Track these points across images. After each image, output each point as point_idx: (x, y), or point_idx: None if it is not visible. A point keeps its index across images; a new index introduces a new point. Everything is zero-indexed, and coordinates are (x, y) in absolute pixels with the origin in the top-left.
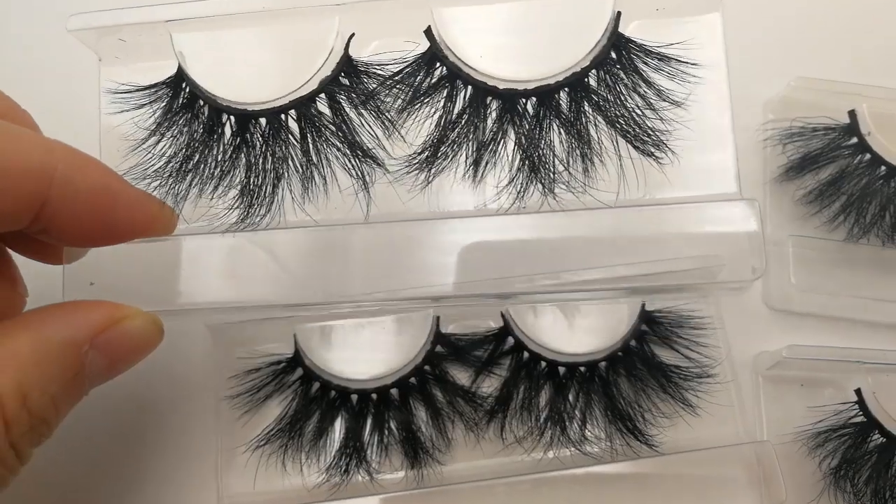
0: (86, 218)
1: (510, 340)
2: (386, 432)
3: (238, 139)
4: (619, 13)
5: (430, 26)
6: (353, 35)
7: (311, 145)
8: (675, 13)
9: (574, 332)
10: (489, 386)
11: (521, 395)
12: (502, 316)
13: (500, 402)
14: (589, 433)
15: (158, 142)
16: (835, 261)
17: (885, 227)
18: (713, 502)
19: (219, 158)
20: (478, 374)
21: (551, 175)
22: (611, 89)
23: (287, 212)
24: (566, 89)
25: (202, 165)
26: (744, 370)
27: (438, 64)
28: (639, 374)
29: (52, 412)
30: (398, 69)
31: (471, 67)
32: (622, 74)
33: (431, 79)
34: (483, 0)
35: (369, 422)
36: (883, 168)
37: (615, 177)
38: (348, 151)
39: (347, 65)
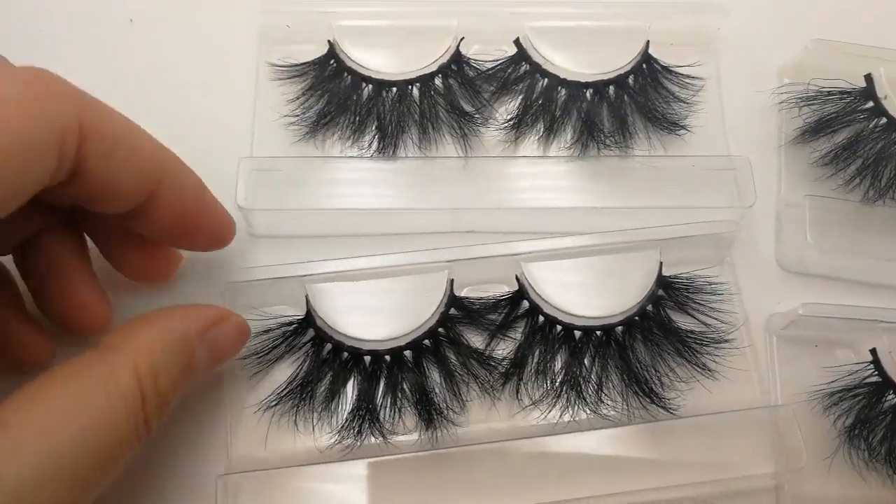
0: (183, 214)
1: (525, 304)
2: (399, 394)
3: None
4: None
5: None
6: None
7: None
8: None
9: (590, 296)
10: (504, 349)
11: (537, 359)
12: (517, 279)
13: (515, 364)
14: (605, 397)
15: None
16: (851, 222)
17: None
18: (730, 466)
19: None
20: (492, 338)
21: None
22: None
23: None
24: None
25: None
26: (758, 331)
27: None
28: (655, 339)
29: (172, 393)
30: None
31: None
32: None
33: None
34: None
35: (382, 383)
36: None
37: None
38: None
39: None
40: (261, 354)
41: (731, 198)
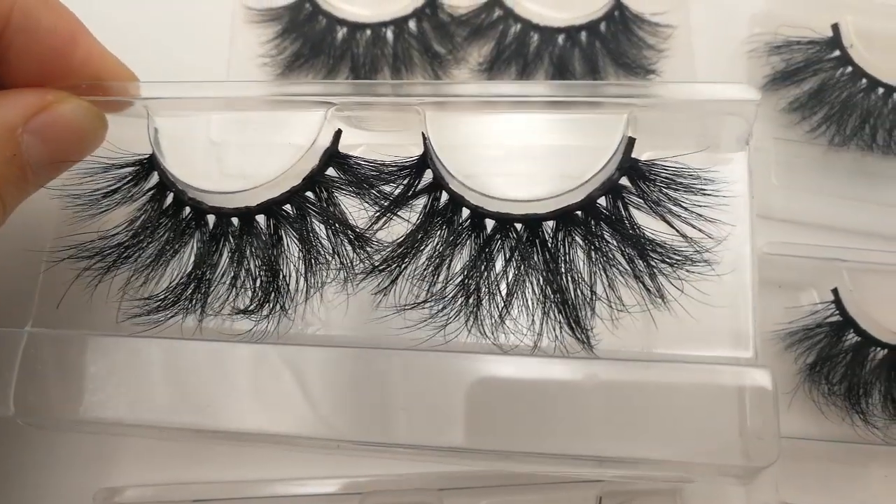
0: (43, 60)
1: (427, 175)
2: (240, 267)
3: None
4: None
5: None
6: None
7: None
8: None
9: (518, 174)
10: (387, 233)
11: (428, 253)
12: (423, 138)
13: (397, 256)
14: (509, 318)
15: None
16: (817, 165)
17: (864, 137)
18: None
19: None
20: (379, 217)
21: None
22: None
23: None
24: None
25: None
26: None
27: None
28: (600, 246)
29: None
30: None
31: None
32: None
33: None
34: None
35: (222, 252)
36: (864, 80)
37: None
38: None
39: None
40: (87, 196)
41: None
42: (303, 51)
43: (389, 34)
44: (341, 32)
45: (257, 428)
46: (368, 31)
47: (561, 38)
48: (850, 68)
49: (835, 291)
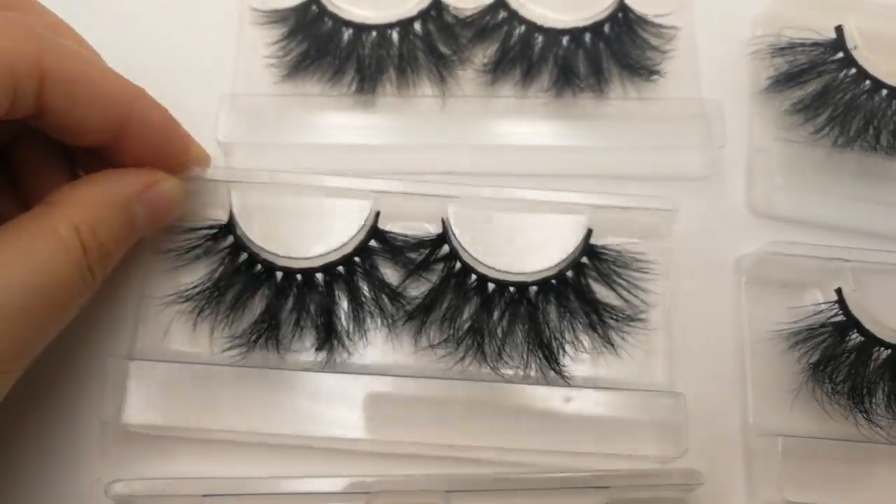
0: (151, 148)
1: (445, 248)
2: (304, 314)
3: None
4: None
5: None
6: None
7: None
8: None
9: (512, 252)
10: (419, 289)
11: (446, 304)
12: (442, 223)
13: (423, 307)
14: (506, 355)
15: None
16: (820, 166)
17: (868, 138)
18: (616, 442)
19: None
20: (408, 276)
21: None
22: None
23: None
24: None
25: None
26: (727, 273)
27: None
28: (568, 305)
29: (113, 245)
30: None
31: None
32: None
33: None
34: None
35: (290, 301)
36: (868, 82)
37: None
38: None
39: None
40: (179, 252)
41: (702, 140)
42: (309, 52)
43: (395, 35)
44: (347, 34)
45: (321, 433)
46: (374, 33)
47: (565, 40)
48: (853, 70)
49: (838, 291)
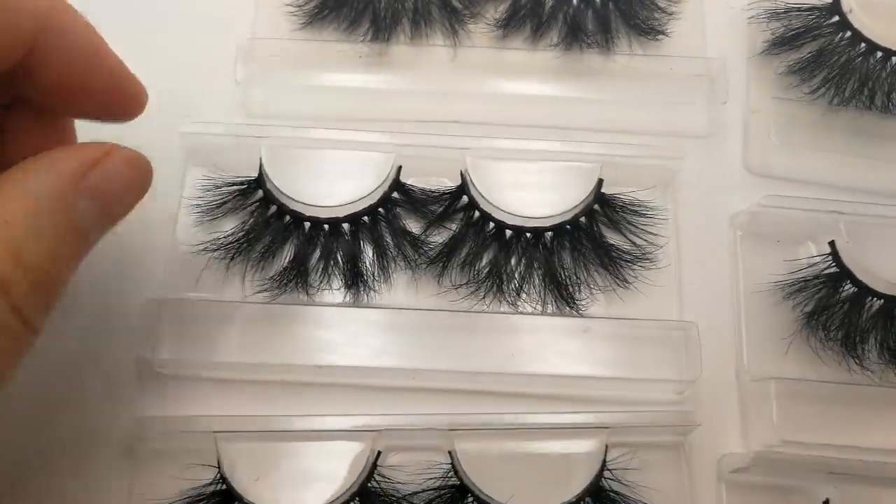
0: (68, 74)
1: (464, 199)
2: (331, 261)
3: None
4: None
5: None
6: None
7: None
8: None
9: (529, 199)
10: (439, 237)
11: (466, 251)
12: (461, 174)
13: (444, 253)
14: (524, 294)
15: None
16: (815, 124)
17: (863, 99)
18: (636, 365)
19: None
20: (430, 226)
21: None
22: None
23: None
24: None
25: None
26: (723, 229)
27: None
28: (582, 249)
29: (52, 268)
30: None
31: None
32: None
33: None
34: None
35: (317, 249)
36: (863, 45)
37: None
38: None
39: None
40: (211, 207)
41: (706, 97)
42: (328, 2)
43: None
44: None
45: (345, 362)
46: None
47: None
48: (848, 33)
49: (832, 244)
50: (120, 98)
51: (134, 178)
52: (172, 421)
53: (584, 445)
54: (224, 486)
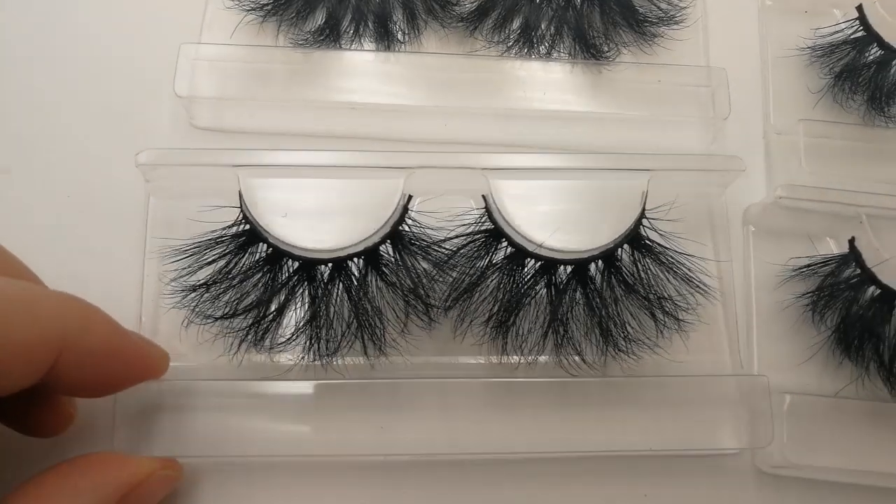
0: (91, 375)
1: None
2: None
3: None
4: None
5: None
6: None
7: None
8: None
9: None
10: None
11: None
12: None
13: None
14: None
15: None
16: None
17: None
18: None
19: None
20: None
21: None
22: None
23: None
24: None
25: None
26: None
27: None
28: (610, 12)
29: None
30: None
31: None
32: None
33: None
34: None
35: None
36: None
37: None
38: None
39: None
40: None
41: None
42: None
43: None
44: None
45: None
46: None
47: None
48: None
49: (859, 8)
50: (139, 377)
51: (168, 490)
52: (194, 154)
53: (623, 190)
54: (248, 226)
